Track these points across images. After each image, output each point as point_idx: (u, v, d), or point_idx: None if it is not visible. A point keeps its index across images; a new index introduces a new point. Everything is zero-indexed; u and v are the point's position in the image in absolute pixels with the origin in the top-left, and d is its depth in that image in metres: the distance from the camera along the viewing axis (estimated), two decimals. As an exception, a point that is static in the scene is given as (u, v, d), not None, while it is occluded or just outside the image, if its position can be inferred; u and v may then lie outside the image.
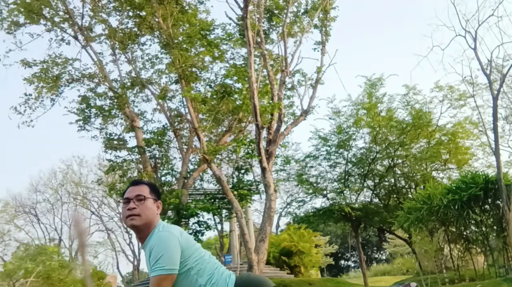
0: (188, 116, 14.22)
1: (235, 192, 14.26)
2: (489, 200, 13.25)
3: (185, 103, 14.59)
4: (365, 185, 20.20)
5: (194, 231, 14.74)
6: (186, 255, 2.22)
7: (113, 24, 15.73)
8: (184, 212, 13.97)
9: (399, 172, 20.45)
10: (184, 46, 14.47)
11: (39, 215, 33.66)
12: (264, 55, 13.47)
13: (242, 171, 16.68)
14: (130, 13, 15.37)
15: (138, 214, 2.30)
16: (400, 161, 19.92)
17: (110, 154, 15.34)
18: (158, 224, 2.35)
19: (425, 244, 13.74)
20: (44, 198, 33.76)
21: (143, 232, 2.33)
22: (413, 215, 13.30)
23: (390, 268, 31.77)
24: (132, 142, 15.57)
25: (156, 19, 14.16)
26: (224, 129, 16.82)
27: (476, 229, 13.80)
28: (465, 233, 14.13)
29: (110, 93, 15.24)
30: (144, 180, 2.56)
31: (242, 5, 12.58)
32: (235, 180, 16.66)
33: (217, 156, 15.09)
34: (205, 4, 15.55)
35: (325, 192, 20.45)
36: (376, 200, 20.75)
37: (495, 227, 13.13)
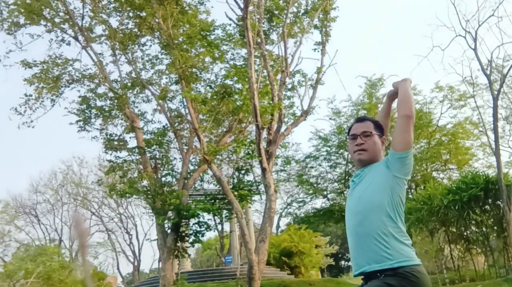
0: (188, 117, 14.22)
1: (236, 193, 14.26)
2: (490, 200, 13.27)
3: (185, 104, 14.59)
4: (365, 185, 20.19)
5: (195, 231, 14.74)
6: (410, 171, 2.33)
7: (113, 24, 15.73)
8: (185, 213, 13.96)
9: (399, 172, 20.43)
10: (184, 46, 14.47)
11: (39, 216, 33.72)
12: (264, 56, 13.48)
13: (243, 172, 16.68)
14: (131, 14, 15.36)
15: (365, 149, 2.40)
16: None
17: (110, 154, 15.32)
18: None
19: (426, 244, 13.75)
20: (45, 198, 33.81)
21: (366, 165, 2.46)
22: (414, 216, 13.31)
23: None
24: (132, 143, 15.56)
25: (156, 20, 14.16)
26: (224, 130, 16.81)
27: (476, 230, 13.81)
28: (465, 234, 14.14)
29: (111, 94, 15.22)
30: (368, 117, 2.68)
31: (242, 6, 12.58)
32: (235, 180, 16.65)
33: (217, 157, 15.09)
34: (205, 4, 15.56)
35: (325, 193, 20.50)
36: (376, 200, 20.74)
37: (495, 228, 13.14)
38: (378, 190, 2.29)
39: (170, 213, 14.47)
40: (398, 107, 2.37)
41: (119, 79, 15.84)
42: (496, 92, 13.81)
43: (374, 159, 2.42)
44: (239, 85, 14.82)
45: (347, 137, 2.55)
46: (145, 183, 15.05)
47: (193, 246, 17.09)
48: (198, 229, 14.74)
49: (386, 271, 2.18)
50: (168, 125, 15.74)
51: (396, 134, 2.29)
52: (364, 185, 2.37)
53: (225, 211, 17.33)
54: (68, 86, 15.52)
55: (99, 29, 16.28)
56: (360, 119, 2.56)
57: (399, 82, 2.47)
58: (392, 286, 2.15)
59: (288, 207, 24.81)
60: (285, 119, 14.48)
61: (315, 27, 15.30)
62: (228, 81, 14.90)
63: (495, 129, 13.54)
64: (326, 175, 20.71)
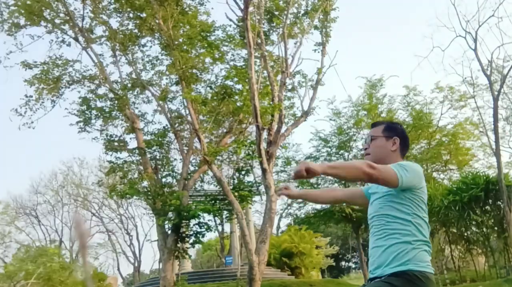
0: (189, 118, 14.22)
1: (236, 193, 14.26)
2: (490, 200, 13.25)
3: (185, 104, 14.59)
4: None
5: (195, 232, 14.74)
6: (413, 191, 2.29)
7: (114, 25, 15.74)
8: (185, 213, 13.96)
9: (399, 173, 20.42)
10: (185, 47, 14.48)
11: (39, 217, 33.75)
12: (264, 57, 13.48)
13: (243, 172, 16.68)
14: (131, 15, 15.37)
15: (369, 153, 2.53)
16: (400, 161, 19.90)
17: (111, 155, 15.32)
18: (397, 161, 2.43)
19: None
20: (45, 199, 33.83)
21: None
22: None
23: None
24: (132, 144, 15.57)
25: (157, 21, 14.16)
26: (225, 130, 16.81)
27: (477, 230, 13.80)
28: (466, 234, 14.13)
29: (111, 95, 15.23)
30: (381, 121, 2.80)
31: (242, 7, 12.59)
32: (235, 181, 16.65)
33: (218, 157, 15.09)
34: (205, 5, 15.56)
35: (325, 193, 20.43)
36: (377, 201, 20.72)
37: (496, 228, 13.12)
38: (395, 199, 2.31)
39: (170, 214, 14.47)
40: (346, 178, 2.30)
41: (119, 80, 15.85)
42: (496, 93, 13.82)
43: (380, 161, 2.43)
44: (239, 86, 14.84)
45: None
46: (145, 183, 15.06)
47: (193, 247, 17.09)
48: (199, 230, 14.75)
49: (395, 273, 2.19)
50: (169, 126, 15.75)
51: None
52: (376, 190, 2.44)
53: (225, 212, 17.33)
54: (69, 87, 15.54)
55: (99, 30, 16.30)
56: (373, 125, 2.68)
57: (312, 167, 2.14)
58: (394, 286, 2.15)
59: (289, 207, 24.80)
60: (286, 120, 14.48)
61: (315, 27, 15.31)
62: (229, 82, 14.91)
63: (495, 130, 13.55)
64: (326, 176, 20.70)
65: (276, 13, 14.80)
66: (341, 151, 19.99)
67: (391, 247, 2.24)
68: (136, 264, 34.10)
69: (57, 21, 15.20)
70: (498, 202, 12.81)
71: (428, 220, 2.37)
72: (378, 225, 2.35)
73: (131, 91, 15.71)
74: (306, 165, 2.11)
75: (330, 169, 2.18)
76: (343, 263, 43.16)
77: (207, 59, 15.13)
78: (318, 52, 15.12)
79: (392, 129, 2.54)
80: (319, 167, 2.13)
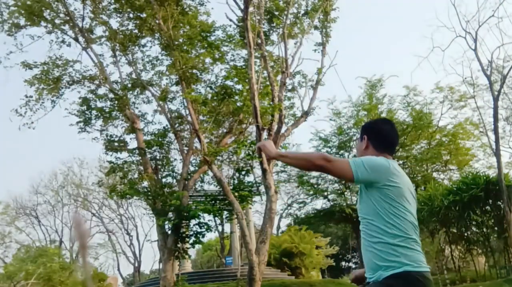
0: (189, 118, 14.23)
1: (236, 193, 14.25)
2: (490, 201, 13.25)
3: (185, 104, 14.60)
4: (365, 186, 20.18)
5: (195, 232, 14.74)
6: (379, 189, 2.25)
7: (114, 26, 15.76)
8: (185, 214, 13.96)
9: (400, 173, 20.42)
10: (185, 47, 14.48)
11: (39, 217, 33.72)
12: (264, 57, 13.48)
13: (243, 172, 16.67)
14: (131, 15, 15.38)
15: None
16: (401, 162, 19.94)
17: (111, 155, 15.35)
18: None
19: (426, 245, 13.72)
20: (45, 199, 33.80)
21: None
22: (414, 216, 13.27)
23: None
24: (132, 144, 15.59)
25: (157, 21, 14.17)
26: (225, 130, 16.82)
27: (477, 230, 13.80)
28: (466, 234, 14.13)
29: (111, 95, 15.24)
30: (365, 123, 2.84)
31: (242, 7, 12.59)
32: (235, 181, 16.64)
33: (218, 157, 15.10)
34: (205, 6, 15.57)
35: (325, 193, 20.48)
36: (377, 201, 20.72)
37: (496, 228, 13.12)
38: (367, 200, 2.31)
39: (170, 214, 14.47)
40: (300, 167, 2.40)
41: (119, 80, 15.86)
42: (496, 93, 13.82)
43: None
44: (239, 86, 14.84)
45: None
46: (145, 184, 15.06)
47: (193, 247, 17.09)
48: (199, 230, 14.75)
49: (393, 275, 2.19)
50: (169, 126, 15.75)
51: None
52: (360, 194, 2.41)
53: (225, 212, 17.32)
54: (69, 87, 15.56)
55: (99, 30, 16.33)
56: None
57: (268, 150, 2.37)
58: None
59: (289, 207, 24.83)
60: (286, 120, 14.48)
61: (315, 28, 15.31)
62: (229, 82, 14.91)
63: (495, 130, 13.55)
64: (326, 176, 20.68)
65: (276, 13, 14.80)
66: (341, 151, 20.00)
67: (377, 250, 2.23)
68: (136, 264, 34.09)
69: (57, 21, 15.22)
70: (498, 202, 12.81)
71: (412, 217, 2.32)
72: (362, 228, 2.35)
73: (131, 92, 15.72)
74: (263, 145, 2.34)
75: (281, 157, 2.36)
76: (343, 263, 43.09)
77: (207, 60, 15.14)
78: (318, 52, 15.14)
79: (363, 129, 2.56)
80: (273, 153, 2.33)
